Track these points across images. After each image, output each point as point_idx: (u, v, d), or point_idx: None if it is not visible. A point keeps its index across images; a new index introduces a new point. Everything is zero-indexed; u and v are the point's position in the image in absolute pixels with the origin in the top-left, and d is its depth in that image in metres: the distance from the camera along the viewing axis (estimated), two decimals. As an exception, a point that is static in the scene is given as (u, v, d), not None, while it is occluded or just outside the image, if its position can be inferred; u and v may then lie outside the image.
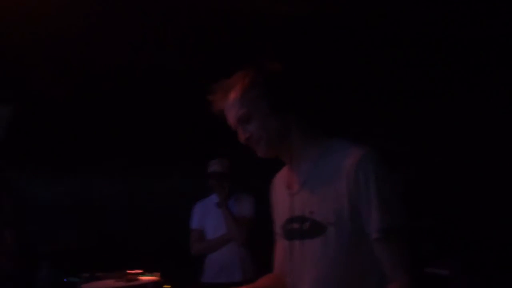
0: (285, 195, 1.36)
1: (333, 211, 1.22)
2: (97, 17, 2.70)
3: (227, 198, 3.11)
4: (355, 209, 1.19)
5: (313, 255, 1.26)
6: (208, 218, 3.31)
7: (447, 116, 4.05)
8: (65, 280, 2.07)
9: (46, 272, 1.56)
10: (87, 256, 3.65)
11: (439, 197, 3.30)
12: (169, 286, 1.85)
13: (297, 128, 1.31)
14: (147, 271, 2.15)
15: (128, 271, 2.15)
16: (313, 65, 3.38)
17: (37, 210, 4.57)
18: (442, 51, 3.22)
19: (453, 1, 2.61)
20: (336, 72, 3.69)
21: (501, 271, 2.41)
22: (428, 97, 3.97)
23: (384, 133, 4.14)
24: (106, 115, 4.83)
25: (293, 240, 1.32)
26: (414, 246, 1.23)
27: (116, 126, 5.06)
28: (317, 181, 1.27)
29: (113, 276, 2.03)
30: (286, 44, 3.06)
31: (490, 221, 3.40)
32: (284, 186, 1.39)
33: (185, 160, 5.04)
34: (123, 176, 5.85)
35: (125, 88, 4.13)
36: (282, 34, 2.99)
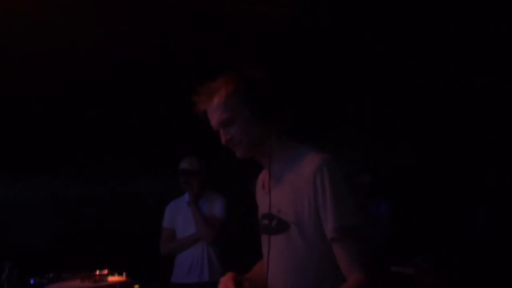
0: (261, 194, 1.49)
1: (295, 211, 1.32)
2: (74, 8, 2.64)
3: (197, 196, 3.09)
4: (315, 212, 1.29)
5: (278, 249, 1.37)
6: (179, 217, 3.28)
7: (412, 106, 4.14)
8: (31, 282, 2.01)
9: (9, 273, 1.52)
10: (54, 257, 3.55)
11: (405, 197, 3.39)
12: (137, 286, 1.82)
13: (275, 133, 1.39)
14: (115, 271, 2.12)
15: (96, 272, 2.12)
16: (294, 74, 3.45)
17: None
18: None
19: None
20: (316, 80, 3.79)
21: (467, 269, 2.48)
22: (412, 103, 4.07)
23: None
24: (76, 110, 4.72)
25: (265, 235, 1.43)
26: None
27: (85, 122, 4.96)
28: (285, 183, 1.37)
29: (79, 276, 1.99)
30: (268, 49, 3.08)
31: (455, 218, 3.51)
32: (261, 185, 1.50)
33: (159, 158, 4.98)
34: (92, 175, 5.74)
35: (98, 83, 4.05)
36: (264, 37, 3.03)
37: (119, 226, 5.39)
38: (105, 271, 2.13)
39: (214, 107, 1.37)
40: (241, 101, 1.35)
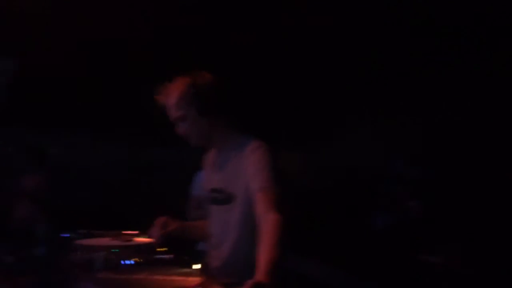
0: (210, 172, 1.85)
1: (238, 186, 1.68)
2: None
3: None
4: (248, 182, 1.63)
5: (222, 216, 1.74)
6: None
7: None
8: (66, 235, 2.10)
9: (44, 227, 1.59)
10: (86, 216, 3.70)
11: (433, 185, 3.31)
12: (164, 249, 1.87)
13: (220, 126, 1.76)
14: (144, 233, 2.18)
15: (124, 232, 2.19)
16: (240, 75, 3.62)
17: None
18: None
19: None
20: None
21: (493, 258, 2.43)
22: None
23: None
24: (111, 80, 4.83)
25: (213, 205, 1.79)
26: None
27: (120, 92, 5.06)
28: (231, 164, 1.73)
29: (108, 234, 2.06)
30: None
31: (484, 209, 3.41)
32: (210, 164, 1.86)
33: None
34: (126, 143, 5.89)
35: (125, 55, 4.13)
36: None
37: (153, 190, 5.56)
38: (134, 232, 2.19)
39: (170, 106, 1.73)
40: (189, 102, 1.70)
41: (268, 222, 1.50)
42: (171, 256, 1.71)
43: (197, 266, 1.58)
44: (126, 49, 4.12)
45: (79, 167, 5.73)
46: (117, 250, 1.76)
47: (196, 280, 1.37)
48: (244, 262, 1.60)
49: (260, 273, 1.36)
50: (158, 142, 5.73)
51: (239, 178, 1.68)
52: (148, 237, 2.10)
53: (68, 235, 2.10)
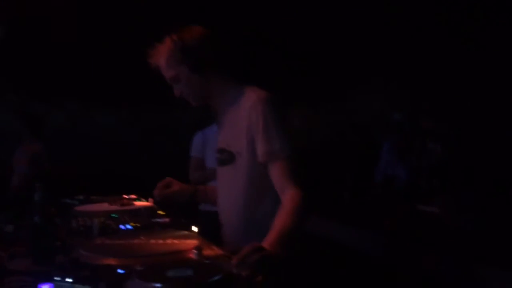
0: (218, 131, 1.74)
1: (239, 144, 1.56)
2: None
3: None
4: (252, 141, 1.52)
5: (227, 178, 1.65)
6: (208, 147, 3.33)
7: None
8: (62, 202, 2.11)
9: (41, 194, 1.59)
10: (84, 181, 3.72)
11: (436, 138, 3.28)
12: (163, 213, 1.88)
13: (217, 82, 1.63)
14: (142, 197, 2.19)
15: (124, 196, 2.20)
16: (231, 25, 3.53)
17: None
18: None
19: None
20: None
21: (492, 208, 2.45)
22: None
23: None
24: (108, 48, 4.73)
25: (218, 167, 1.70)
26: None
27: (118, 56, 4.97)
28: (231, 120, 1.61)
29: (107, 200, 2.07)
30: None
31: (483, 159, 3.41)
32: (218, 123, 1.74)
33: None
34: (125, 106, 5.85)
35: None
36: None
37: (150, 153, 5.57)
38: (133, 196, 2.20)
39: (162, 67, 1.64)
40: (178, 60, 1.58)
41: (286, 197, 1.44)
42: (168, 219, 1.71)
43: (195, 229, 1.57)
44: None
45: (80, 133, 5.72)
46: (115, 215, 1.77)
47: (193, 242, 1.38)
48: (253, 228, 1.55)
49: (267, 241, 1.32)
50: (159, 105, 5.69)
51: (240, 134, 1.55)
52: (148, 200, 2.12)
53: (67, 201, 2.11)
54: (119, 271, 1.11)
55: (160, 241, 1.38)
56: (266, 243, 1.31)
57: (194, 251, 1.27)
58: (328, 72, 5.42)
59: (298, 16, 3.80)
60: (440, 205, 2.46)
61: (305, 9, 3.63)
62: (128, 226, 1.60)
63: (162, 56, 1.61)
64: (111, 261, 1.19)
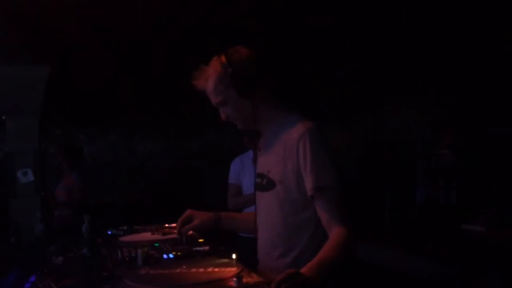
0: (258, 156, 1.73)
1: (281, 172, 1.54)
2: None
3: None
4: (298, 172, 1.50)
5: (267, 204, 1.62)
6: (244, 173, 3.38)
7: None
8: (108, 232, 2.19)
9: (88, 225, 1.66)
10: (129, 210, 3.83)
11: (476, 153, 3.19)
12: (202, 240, 1.91)
13: (265, 105, 1.60)
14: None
15: (166, 225, 2.26)
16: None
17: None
18: None
19: None
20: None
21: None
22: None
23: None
24: (143, 75, 4.92)
25: (258, 191, 1.69)
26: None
27: (153, 85, 5.15)
28: (274, 147, 1.59)
29: (150, 229, 2.13)
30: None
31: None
32: (259, 148, 1.72)
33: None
34: (162, 133, 6.00)
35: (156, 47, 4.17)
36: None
37: (188, 180, 5.66)
38: (173, 225, 2.25)
39: (209, 91, 1.60)
40: (227, 85, 1.55)
41: (333, 233, 1.44)
42: (207, 247, 1.74)
43: (234, 256, 1.59)
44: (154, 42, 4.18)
45: (116, 162, 5.88)
46: (157, 245, 1.83)
47: (233, 270, 1.40)
48: (288, 258, 1.55)
49: (306, 267, 1.31)
50: (198, 131, 5.80)
51: (283, 164, 1.53)
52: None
53: (110, 232, 2.19)
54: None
55: (201, 270, 1.41)
56: (305, 269, 1.31)
57: (234, 279, 1.29)
58: (360, 88, 5.39)
59: (325, 29, 3.83)
60: (487, 222, 2.38)
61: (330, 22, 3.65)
62: (170, 255, 1.65)
63: (209, 80, 1.58)
64: (156, 291, 1.23)
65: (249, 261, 1.57)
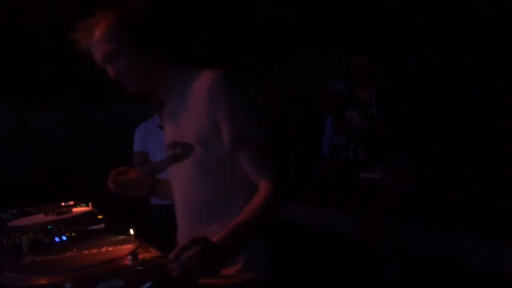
0: (165, 126, 1.52)
1: (198, 131, 1.34)
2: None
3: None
4: (217, 126, 1.31)
5: (187, 172, 1.40)
6: (150, 140, 3.25)
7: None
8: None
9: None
10: (18, 190, 3.55)
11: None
12: (100, 217, 1.81)
13: (161, 63, 1.39)
14: (81, 201, 2.11)
15: (62, 204, 2.11)
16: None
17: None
18: None
19: None
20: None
21: (432, 173, 2.53)
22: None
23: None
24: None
25: (171, 163, 1.46)
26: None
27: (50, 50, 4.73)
28: (183, 108, 1.38)
29: (43, 210, 1.98)
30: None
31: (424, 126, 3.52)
32: (164, 116, 1.52)
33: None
34: (60, 103, 5.58)
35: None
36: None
37: (89, 152, 5.37)
38: (71, 202, 2.12)
39: (96, 41, 1.34)
40: (123, 32, 1.33)
41: (257, 193, 1.28)
42: (103, 225, 1.66)
43: (133, 232, 1.52)
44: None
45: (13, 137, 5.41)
46: (49, 227, 1.70)
47: (129, 247, 1.34)
48: (212, 226, 1.37)
49: (219, 235, 1.16)
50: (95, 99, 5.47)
51: (198, 120, 1.33)
52: (88, 205, 2.04)
53: (1, 216, 2.01)
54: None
55: (94, 251, 1.33)
56: (216, 237, 1.16)
57: (129, 257, 1.23)
58: (266, 46, 5.40)
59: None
60: (380, 170, 2.52)
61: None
62: (64, 238, 1.54)
63: (99, 28, 1.34)
64: (40, 281, 1.14)
65: (163, 231, 1.45)
